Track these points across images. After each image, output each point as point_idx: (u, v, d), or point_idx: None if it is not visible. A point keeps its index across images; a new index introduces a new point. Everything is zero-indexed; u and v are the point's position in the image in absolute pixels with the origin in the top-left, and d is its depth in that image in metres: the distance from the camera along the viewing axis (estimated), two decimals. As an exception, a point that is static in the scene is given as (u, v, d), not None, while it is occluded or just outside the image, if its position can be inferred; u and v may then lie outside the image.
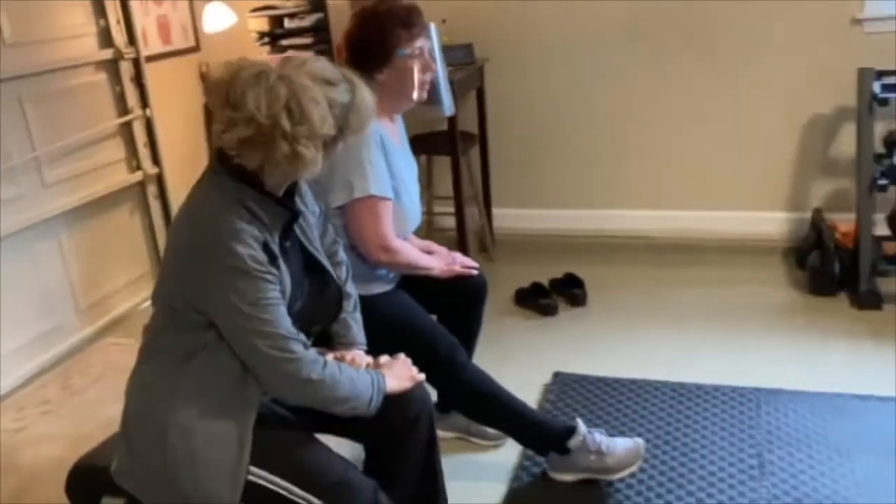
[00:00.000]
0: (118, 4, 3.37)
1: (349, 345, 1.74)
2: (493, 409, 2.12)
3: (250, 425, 1.47)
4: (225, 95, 1.39)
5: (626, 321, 3.08)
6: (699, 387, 2.55)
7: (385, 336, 1.83)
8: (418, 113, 2.47)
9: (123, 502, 1.54)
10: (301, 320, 1.51)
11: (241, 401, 1.47)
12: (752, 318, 3.00)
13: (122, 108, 3.45)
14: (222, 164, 1.46)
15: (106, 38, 3.36)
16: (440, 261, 2.20)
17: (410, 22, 2.04)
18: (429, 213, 3.84)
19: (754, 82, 3.48)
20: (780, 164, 3.56)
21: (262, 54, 3.79)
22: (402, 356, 1.72)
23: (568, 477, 2.11)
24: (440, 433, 2.31)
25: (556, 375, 2.68)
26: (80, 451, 1.77)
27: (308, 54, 1.51)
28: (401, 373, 1.67)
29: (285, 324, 1.45)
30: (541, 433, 2.11)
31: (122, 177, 3.46)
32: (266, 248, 1.43)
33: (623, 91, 3.69)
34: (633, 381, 2.60)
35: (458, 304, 2.30)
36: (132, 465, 1.51)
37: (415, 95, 2.12)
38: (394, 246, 2.04)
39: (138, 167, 3.53)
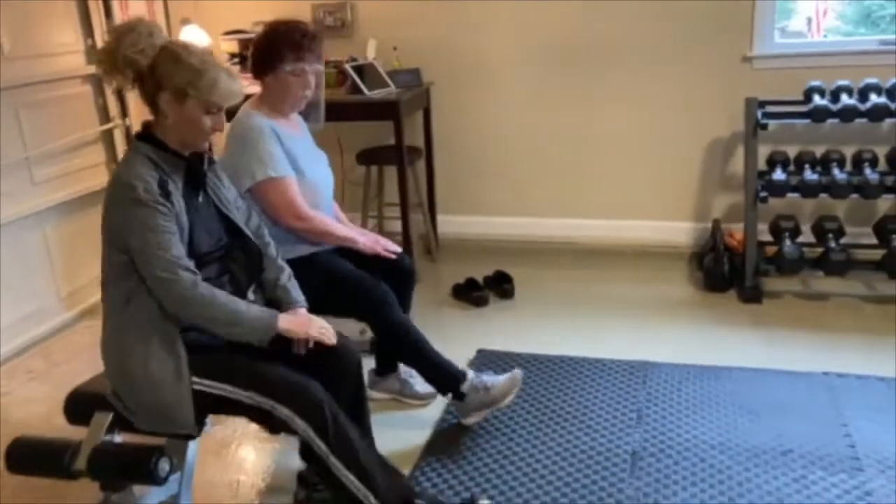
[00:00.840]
0: (103, 25, 3.79)
1: (292, 304, 2.12)
2: (409, 347, 2.51)
3: (177, 339, 1.86)
4: None
5: (547, 311, 3.53)
6: (599, 360, 3.00)
7: (325, 286, 2.27)
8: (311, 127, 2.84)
9: (112, 416, 1.93)
10: (218, 266, 1.97)
11: (166, 322, 1.86)
12: (653, 310, 3.47)
13: (105, 117, 3.86)
14: (138, 136, 1.91)
15: (92, 55, 3.77)
16: (365, 238, 2.60)
17: (300, 47, 2.44)
18: (379, 217, 4.28)
19: (664, 109, 3.99)
20: (686, 180, 4.06)
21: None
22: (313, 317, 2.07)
23: (472, 419, 2.55)
24: (377, 395, 2.74)
25: (479, 351, 3.11)
26: (60, 412, 2.09)
27: None
28: (300, 321, 2.01)
29: (175, 252, 1.81)
30: (441, 372, 2.52)
31: (102, 178, 3.83)
32: (162, 185, 1.83)
33: (553, 114, 4.16)
34: (545, 356, 3.05)
35: (390, 288, 2.63)
36: (115, 394, 1.92)
37: (292, 104, 2.53)
38: (305, 214, 2.44)
39: (117, 170, 3.92)
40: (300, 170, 2.49)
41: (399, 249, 2.66)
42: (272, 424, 1.88)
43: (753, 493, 2.19)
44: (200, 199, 1.99)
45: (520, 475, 2.32)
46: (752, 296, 3.46)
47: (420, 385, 2.73)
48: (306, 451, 1.90)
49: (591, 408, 2.68)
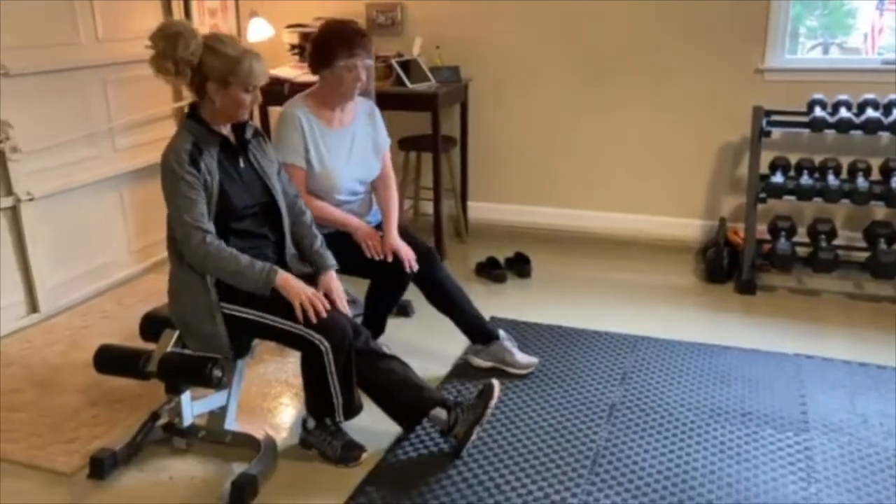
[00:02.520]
0: (182, 15, 4.29)
1: (324, 267, 2.55)
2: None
3: (210, 287, 2.32)
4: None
5: (558, 291, 3.90)
6: (596, 332, 3.37)
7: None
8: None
9: (177, 333, 2.39)
10: (256, 220, 2.42)
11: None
12: (654, 295, 3.81)
13: (178, 96, 4.36)
14: (186, 115, 2.35)
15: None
16: (367, 232, 2.87)
17: (352, 44, 2.77)
18: (415, 200, 4.70)
19: (681, 114, 4.32)
20: (698, 180, 4.39)
21: (291, 63, 4.67)
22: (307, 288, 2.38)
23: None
24: (480, 363, 3.06)
25: (492, 318, 3.50)
26: (130, 342, 2.58)
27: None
28: (295, 286, 2.32)
29: (192, 215, 2.24)
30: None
31: (173, 150, 4.36)
32: (193, 155, 2.26)
33: (579, 114, 4.52)
34: (549, 326, 3.43)
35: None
36: (175, 317, 2.40)
37: (344, 95, 2.85)
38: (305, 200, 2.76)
39: (186, 143, 4.43)
40: (310, 162, 2.83)
41: (389, 259, 2.85)
42: (295, 342, 2.35)
43: (708, 442, 2.56)
44: (242, 164, 2.43)
45: (511, 416, 2.72)
46: (747, 287, 3.78)
47: (519, 354, 3.02)
48: (310, 364, 2.34)
49: (582, 369, 3.06)
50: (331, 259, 2.59)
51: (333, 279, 2.54)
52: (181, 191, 2.25)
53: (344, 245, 2.87)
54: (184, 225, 2.27)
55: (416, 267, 2.86)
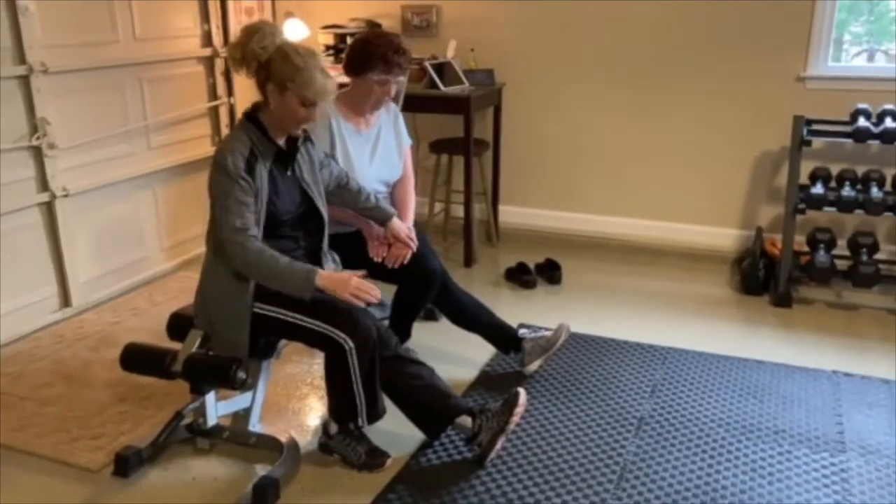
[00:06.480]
0: (219, 14, 4.32)
1: (387, 218, 2.77)
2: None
3: (247, 292, 2.31)
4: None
5: (589, 299, 3.85)
6: (627, 342, 3.32)
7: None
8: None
9: (202, 334, 2.38)
10: (291, 224, 2.42)
11: (240, 276, 2.30)
12: (687, 305, 3.74)
13: (213, 95, 4.39)
14: (246, 116, 2.34)
15: (206, 40, 4.30)
16: (375, 234, 2.82)
17: (390, 62, 2.76)
18: (446, 203, 4.67)
19: (720, 121, 4.23)
20: (736, 189, 4.30)
21: (326, 64, 4.66)
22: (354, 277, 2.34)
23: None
24: (534, 367, 3.04)
25: (521, 325, 3.46)
26: (159, 339, 2.59)
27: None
28: (338, 281, 2.28)
29: (240, 220, 2.21)
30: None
31: (206, 149, 4.37)
32: (249, 162, 2.25)
33: (615, 119, 4.46)
34: (579, 335, 3.37)
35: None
36: (200, 318, 2.40)
37: (371, 107, 2.86)
38: None
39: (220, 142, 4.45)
40: (335, 159, 2.77)
41: (397, 266, 2.78)
42: (320, 342, 2.34)
43: (739, 460, 2.49)
44: (288, 172, 2.43)
45: (537, 426, 2.68)
46: (783, 300, 3.69)
47: (544, 332, 3.08)
48: (334, 364, 2.33)
49: (610, 380, 3.01)
50: (389, 209, 2.80)
51: (396, 224, 2.77)
52: (235, 195, 2.24)
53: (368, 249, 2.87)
54: (233, 230, 2.23)
55: (396, 264, 2.77)
